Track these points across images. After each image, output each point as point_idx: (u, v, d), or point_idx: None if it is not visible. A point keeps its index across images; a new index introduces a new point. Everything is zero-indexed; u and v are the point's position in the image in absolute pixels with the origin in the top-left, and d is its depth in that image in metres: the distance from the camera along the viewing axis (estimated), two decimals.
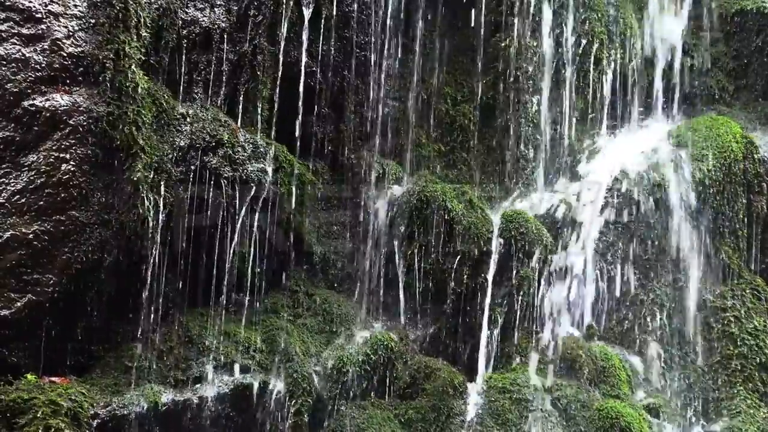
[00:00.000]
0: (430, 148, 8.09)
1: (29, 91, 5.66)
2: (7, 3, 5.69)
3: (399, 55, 8.02)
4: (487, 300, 7.07)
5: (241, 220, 6.55)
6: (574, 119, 8.26)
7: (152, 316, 6.19)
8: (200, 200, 6.41)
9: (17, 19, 5.71)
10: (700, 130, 7.90)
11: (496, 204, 7.81)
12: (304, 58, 7.28)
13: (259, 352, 6.45)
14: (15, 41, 5.68)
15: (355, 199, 7.48)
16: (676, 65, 8.65)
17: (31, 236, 5.57)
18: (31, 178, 5.61)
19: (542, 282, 7.18)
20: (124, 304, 6.14)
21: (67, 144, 5.68)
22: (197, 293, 6.49)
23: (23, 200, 5.58)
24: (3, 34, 5.66)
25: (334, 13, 7.46)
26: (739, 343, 7.25)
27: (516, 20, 8.18)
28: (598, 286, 7.35)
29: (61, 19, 5.78)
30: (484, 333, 7.02)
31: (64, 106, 5.70)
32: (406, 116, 8.01)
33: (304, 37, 7.28)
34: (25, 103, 5.65)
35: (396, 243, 7.28)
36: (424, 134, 8.10)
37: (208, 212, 6.44)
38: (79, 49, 5.79)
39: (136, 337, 6.16)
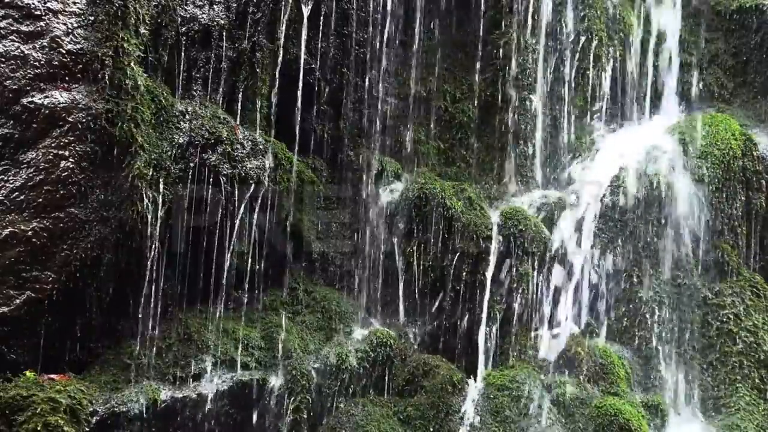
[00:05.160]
0: (429, 145, 8.09)
1: (28, 88, 5.66)
2: (6, 0, 5.68)
3: (398, 53, 8.01)
4: (486, 297, 7.07)
5: (240, 217, 6.55)
6: (573, 116, 8.26)
7: (151, 313, 6.19)
8: (199, 198, 6.41)
9: (16, 16, 5.71)
10: (699, 127, 7.89)
11: (495, 201, 7.80)
12: (303, 56, 7.28)
13: (258, 350, 6.45)
14: (14, 38, 5.68)
15: (355, 197, 7.48)
16: (676, 62, 8.65)
17: (30, 233, 5.56)
18: (30, 175, 5.61)
19: (541, 279, 7.18)
20: (123, 301, 6.14)
21: (66, 141, 5.67)
22: (196, 291, 6.49)
23: (22, 197, 5.58)
24: (2, 31, 5.66)
25: (334, 10, 7.47)
26: (737, 340, 7.25)
27: (515, 17, 8.18)
28: (597, 283, 7.35)
29: (60, 17, 5.78)
30: (483, 330, 7.03)
31: (63, 103, 5.69)
32: (405, 113, 8.01)
33: (303, 34, 7.28)
34: (24, 100, 5.65)
35: (395, 240, 7.28)
36: (423, 131, 8.09)
37: (207, 210, 6.43)
38: (78, 47, 5.79)
39: (135, 334, 6.17)
